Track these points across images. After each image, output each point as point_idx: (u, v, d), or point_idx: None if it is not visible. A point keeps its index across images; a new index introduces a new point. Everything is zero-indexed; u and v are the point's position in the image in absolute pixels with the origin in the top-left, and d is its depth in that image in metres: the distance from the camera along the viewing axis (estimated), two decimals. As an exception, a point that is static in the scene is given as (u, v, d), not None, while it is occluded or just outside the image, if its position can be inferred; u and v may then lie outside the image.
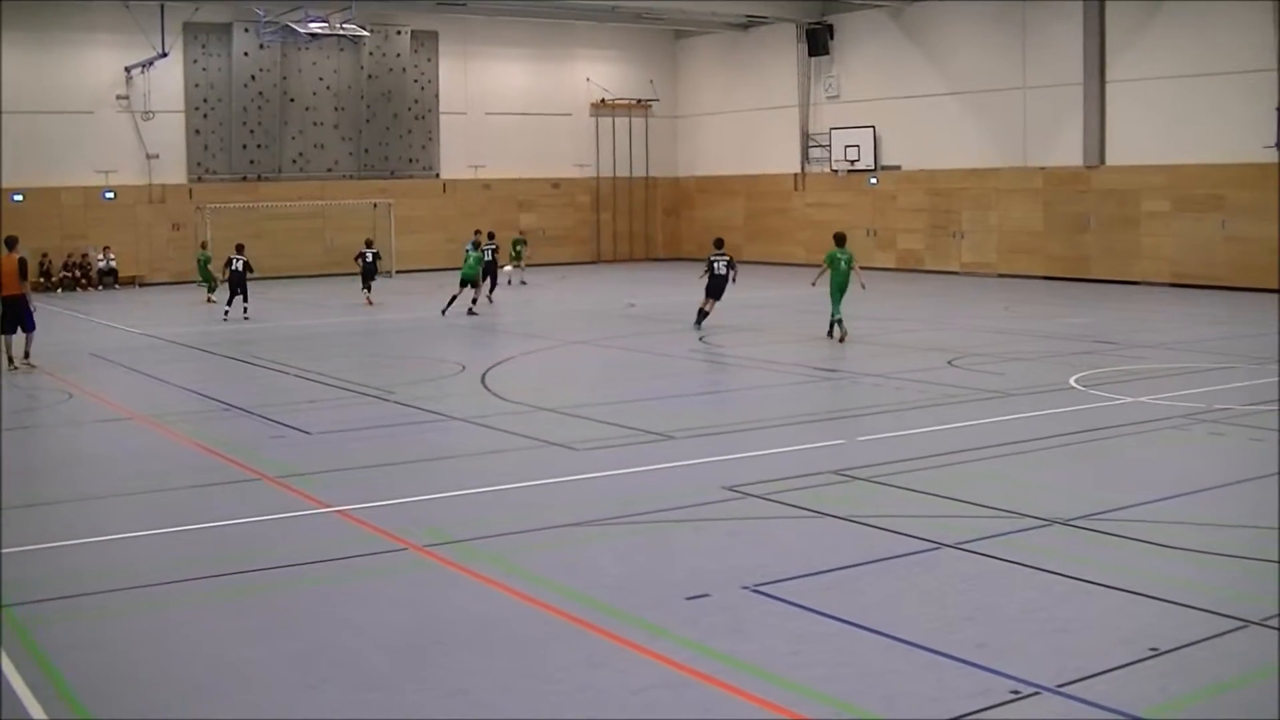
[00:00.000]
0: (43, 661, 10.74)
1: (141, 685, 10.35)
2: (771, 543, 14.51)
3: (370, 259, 44.95)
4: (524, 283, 51.96)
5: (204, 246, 49.50)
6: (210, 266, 46.63)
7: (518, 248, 54.13)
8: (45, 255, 52.75)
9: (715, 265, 35.26)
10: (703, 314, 35.28)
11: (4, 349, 28.06)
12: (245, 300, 40.42)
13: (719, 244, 36.54)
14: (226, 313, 40.26)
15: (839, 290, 31.91)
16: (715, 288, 35.33)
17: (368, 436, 20.85)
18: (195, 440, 20.61)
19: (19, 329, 28.05)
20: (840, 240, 32.59)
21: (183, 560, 13.84)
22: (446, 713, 9.71)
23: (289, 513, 15.79)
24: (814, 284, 33.30)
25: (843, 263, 31.96)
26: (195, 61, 56.53)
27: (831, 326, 31.96)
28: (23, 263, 28.07)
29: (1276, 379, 24.67)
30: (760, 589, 12.44)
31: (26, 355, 28.29)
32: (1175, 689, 9.93)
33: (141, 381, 26.28)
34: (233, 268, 40.75)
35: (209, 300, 45.20)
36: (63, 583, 13.01)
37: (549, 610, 11.97)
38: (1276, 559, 13.32)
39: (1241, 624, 11.29)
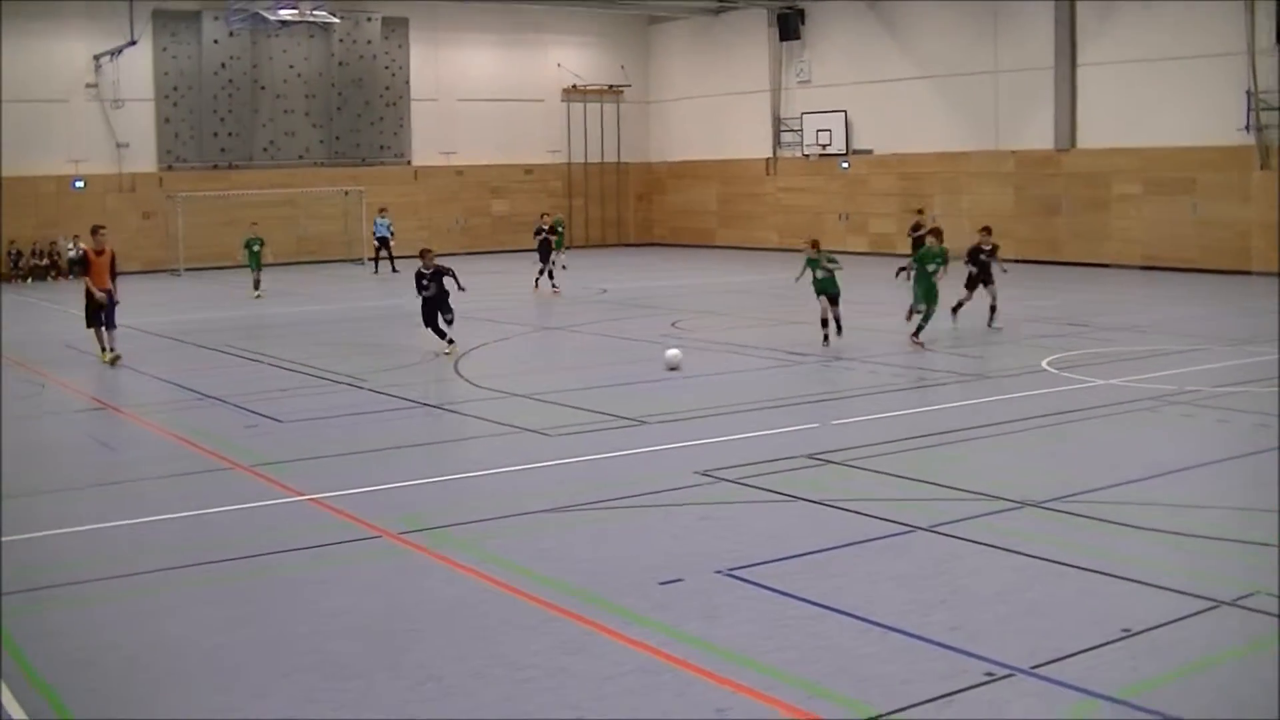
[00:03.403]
0: (15, 652, 10.71)
1: (114, 675, 10.34)
2: (745, 527, 14.52)
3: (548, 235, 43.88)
4: (564, 266, 49.46)
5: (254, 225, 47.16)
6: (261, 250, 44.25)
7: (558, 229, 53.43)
8: (13, 243, 52.60)
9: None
10: (960, 306, 31.53)
11: None
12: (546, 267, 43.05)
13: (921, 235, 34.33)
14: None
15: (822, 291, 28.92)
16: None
17: (341, 424, 20.82)
18: (169, 430, 20.57)
19: None
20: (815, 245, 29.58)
21: (156, 550, 13.80)
22: (420, 700, 9.71)
23: (262, 501, 15.76)
24: (797, 279, 30.10)
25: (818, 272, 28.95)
26: (165, 49, 56.24)
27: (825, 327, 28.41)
28: None
29: (1249, 360, 24.74)
30: (733, 573, 12.45)
31: None
32: (1147, 669, 9.97)
33: (115, 371, 26.20)
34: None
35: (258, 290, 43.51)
36: (36, 573, 12.96)
37: (522, 596, 11.98)
38: (1247, 539, 13.38)
39: (1213, 604, 11.33)
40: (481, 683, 10.01)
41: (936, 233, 29.88)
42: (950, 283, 28.84)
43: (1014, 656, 10.16)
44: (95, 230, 28.44)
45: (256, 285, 42.56)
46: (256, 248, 43.29)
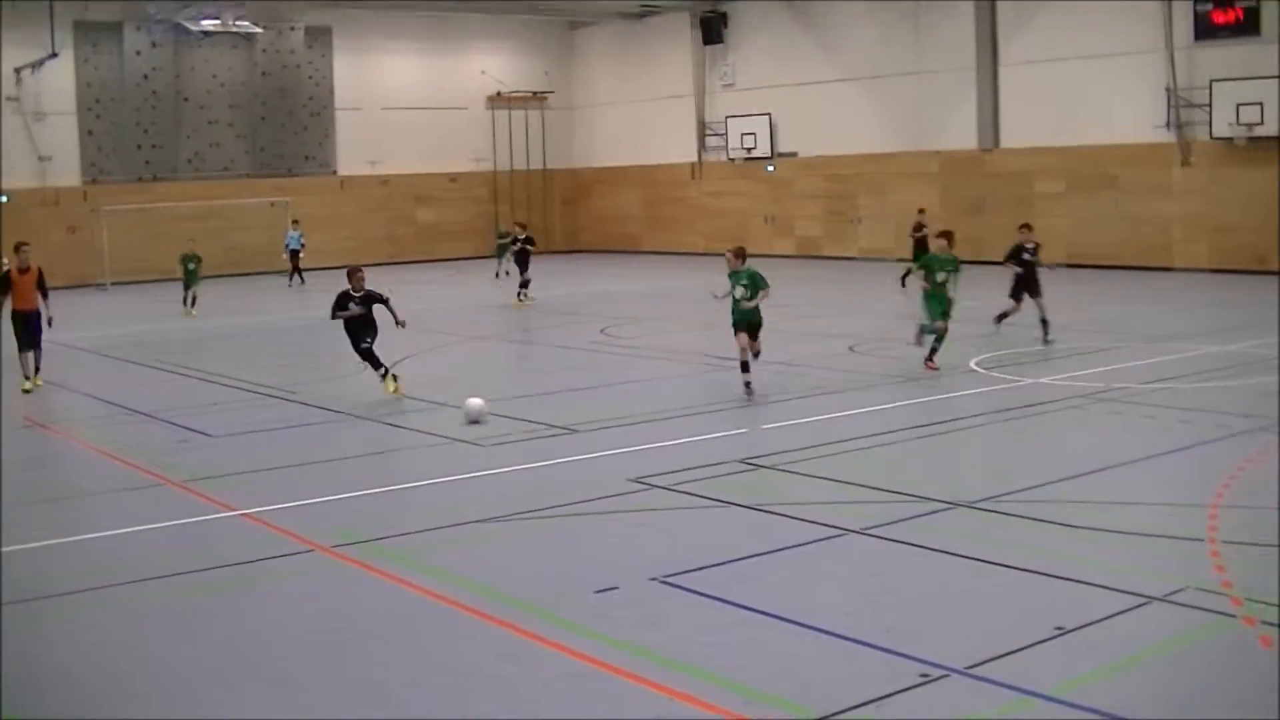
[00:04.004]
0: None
1: (55, 693, 10.30)
2: (679, 533, 14.57)
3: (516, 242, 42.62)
4: (507, 273, 49.06)
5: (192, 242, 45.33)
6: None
7: (503, 240, 53.02)
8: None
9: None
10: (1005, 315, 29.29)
11: None
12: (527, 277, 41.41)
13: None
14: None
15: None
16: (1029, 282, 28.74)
17: (272, 438, 20.75)
18: (98, 447, 20.43)
19: None
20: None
21: (90, 568, 13.71)
22: (362, 707, 9.73)
23: (195, 517, 15.69)
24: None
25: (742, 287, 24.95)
26: (86, 61, 55.85)
27: None
28: None
29: (1174, 357, 24.98)
30: (668, 580, 12.49)
31: None
32: (1081, 666, 10.06)
33: (44, 388, 25.99)
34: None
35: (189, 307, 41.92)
36: (-33, 594, 12.89)
37: (458, 607, 11.99)
38: (1176, 535, 13.54)
39: (1144, 600, 11.45)
40: (421, 690, 10.03)
41: (946, 235, 25.90)
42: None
43: (949, 656, 10.23)
44: (18, 247, 26.82)
45: (189, 303, 41.38)
46: (192, 265, 42.12)
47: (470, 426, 20.47)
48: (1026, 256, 28.54)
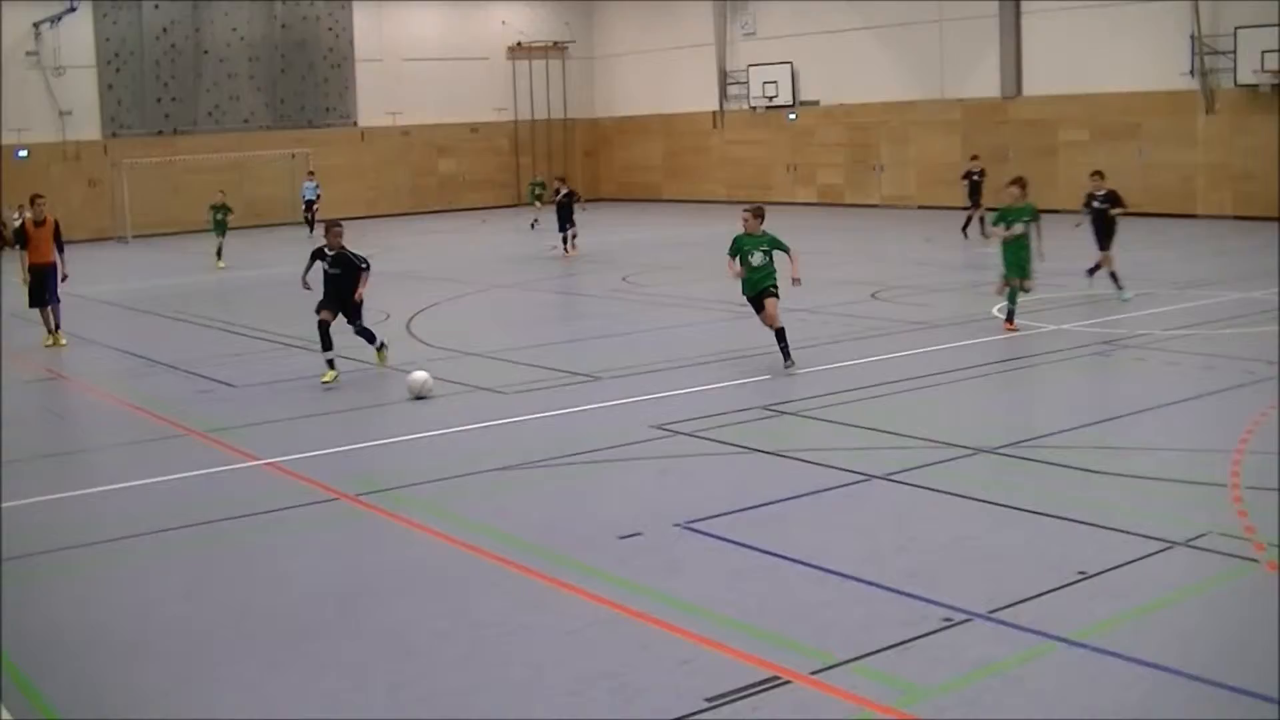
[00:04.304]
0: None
1: (76, 646, 10.31)
2: (701, 480, 14.57)
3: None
4: (537, 220, 49.36)
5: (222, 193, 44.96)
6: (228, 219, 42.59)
7: (537, 190, 53.29)
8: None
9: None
10: (1097, 268, 27.12)
11: None
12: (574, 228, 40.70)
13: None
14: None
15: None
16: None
17: (295, 388, 20.75)
18: (122, 399, 20.47)
19: None
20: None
21: (113, 520, 13.75)
22: (383, 659, 9.73)
23: (218, 467, 15.71)
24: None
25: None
26: (105, 15, 55.73)
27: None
28: None
29: (1197, 304, 24.88)
30: (691, 526, 12.50)
31: None
32: (1103, 611, 10.05)
33: (65, 345, 26.00)
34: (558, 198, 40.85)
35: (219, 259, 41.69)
36: (-9, 545, 12.93)
37: (482, 554, 12.01)
38: (1199, 480, 13.51)
39: (1167, 545, 11.43)
40: (443, 641, 10.03)
41: (1019, 182, 23.82)
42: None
43: (971, 601, 10.23)
44: (34, 200, 26.70)
45: (219, 254, 41.48)
46: (220, 216, 42.02)
47: (417, 401, 19.18)
48: (1096, 205, 27.00)
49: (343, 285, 21.07)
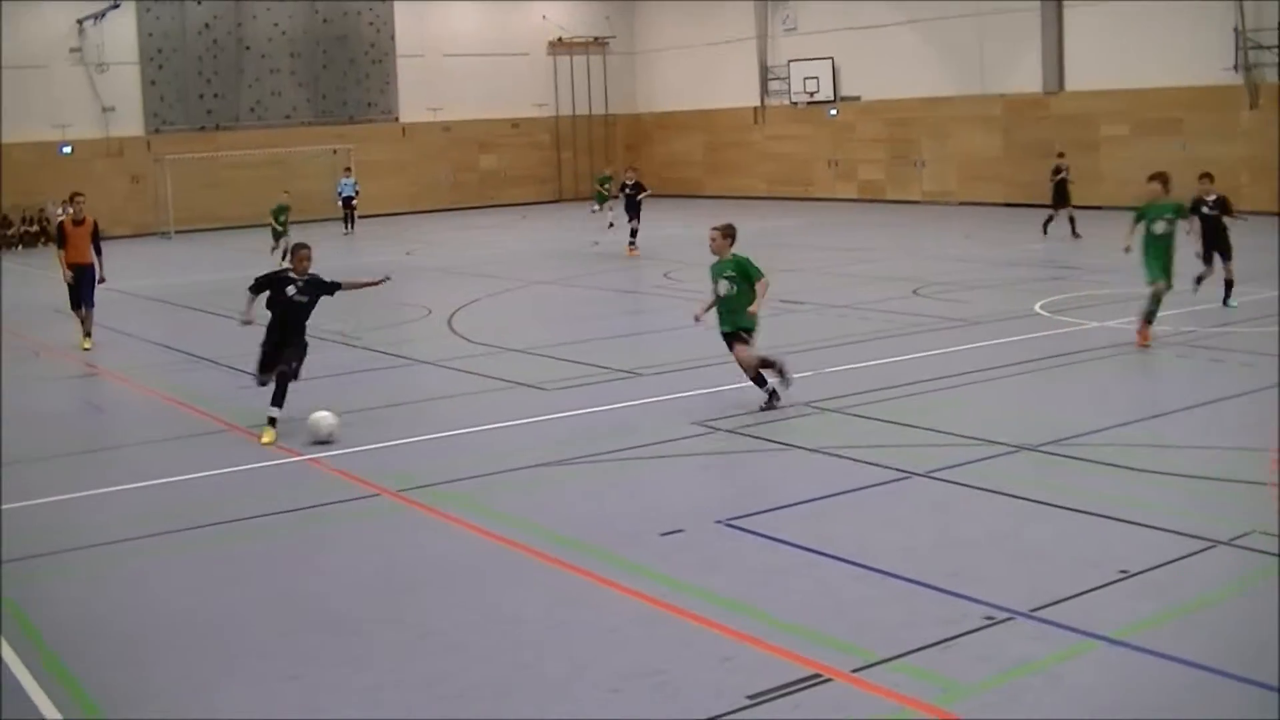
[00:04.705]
0: (21, 618, 10.74)
1: (118, 637, 10.37)
2: (743, 476, 14.59)
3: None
4: (612, 225, 45.56)
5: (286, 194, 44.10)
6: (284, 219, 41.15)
7: (604, 186, 47.65)
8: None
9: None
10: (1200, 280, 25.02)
11: None
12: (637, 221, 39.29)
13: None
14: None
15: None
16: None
17: (335, 383, 20.77)
18: (163, 393, 20.55)
19: None
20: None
21: (154, 514, 13.81)
22: (422, 655, 9.75)
23: (258, 463, 15.77)
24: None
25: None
26: (148, 11, 55.90)
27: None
28: None
29: (1241, 300, 24.72)
30: (732, 523, 12.50)
31: None
32: (1145, 610, 10.01)
33: (107, 336, 26.04)
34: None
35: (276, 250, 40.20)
36: (36, 541, 12.97)
37: (522, 550, 12.02)
38: (1242, 479, 13.43)
39: (1209, 544, 11.38)
40: (482, 636, 10.05)
41: (1160, 178, 21.69)
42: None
43: (1013, 599, 10.20)
44: (72, 198, 25.80)
45: (283, 255, 38.07)
46: (283, 218, 40.80)
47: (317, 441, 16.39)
48: (1206, 210, 24.69)
49: (303, 319, 17.75)
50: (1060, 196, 39.64)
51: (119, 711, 9.07)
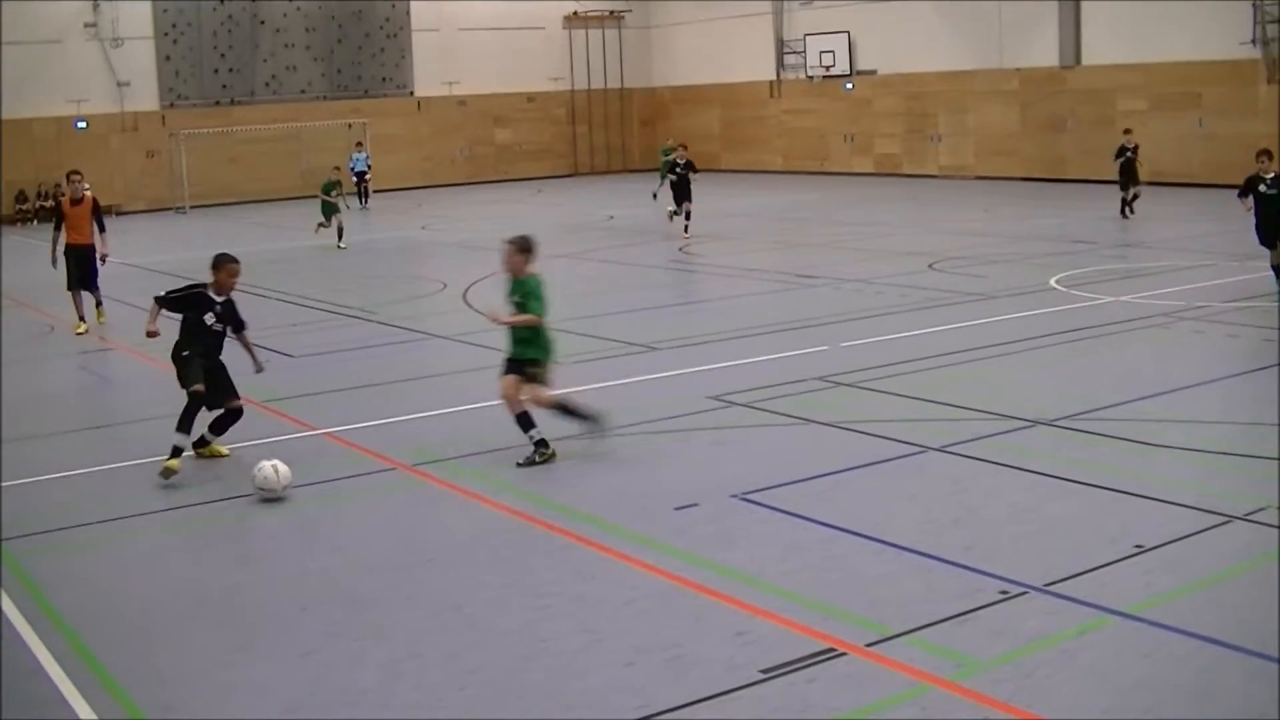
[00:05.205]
0: (37, 595, 10.78)
1: (133, 614, 10.40)
2: (758, 451, 14.57)
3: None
4: (656, 197, 42.89)
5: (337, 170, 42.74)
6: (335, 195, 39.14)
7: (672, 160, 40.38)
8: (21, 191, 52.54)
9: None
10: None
11: None
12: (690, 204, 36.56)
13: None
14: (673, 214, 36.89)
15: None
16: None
17: (351, 358, 20.83)
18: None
19: None
20: None
21: (170, 488, 13.83)
22: (440, 629, 9.78)
23: (276, 437, 15.79)
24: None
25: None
26: (163, -15, 55.96)
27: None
28: None
29: (1257, 275, 24.67)
30: (748, 497, 12.52)
31: None
32: (1160, 585, 10.02)
33: (123, 311, 26.03)
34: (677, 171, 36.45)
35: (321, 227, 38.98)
36: (51, 516, 13.02)
37: (538, 524, 12.05)
38: (1257, 455, 13.41)
39: (1225, 519, 11.38)
40: (500, 610, 10.08)
41: (1268, 153, 22.44)
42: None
43: (1028, 574, 10.21)
44: (69, 176, 24.78)
45: (339, 235, 37.94)
46: (335, 193, 38.65)
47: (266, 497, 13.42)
48: (1264, 189, 23.27)
49: (219, 348, 15.53)
50: (1128, 174, 38.02)
51: (140, 687, 9.09)
